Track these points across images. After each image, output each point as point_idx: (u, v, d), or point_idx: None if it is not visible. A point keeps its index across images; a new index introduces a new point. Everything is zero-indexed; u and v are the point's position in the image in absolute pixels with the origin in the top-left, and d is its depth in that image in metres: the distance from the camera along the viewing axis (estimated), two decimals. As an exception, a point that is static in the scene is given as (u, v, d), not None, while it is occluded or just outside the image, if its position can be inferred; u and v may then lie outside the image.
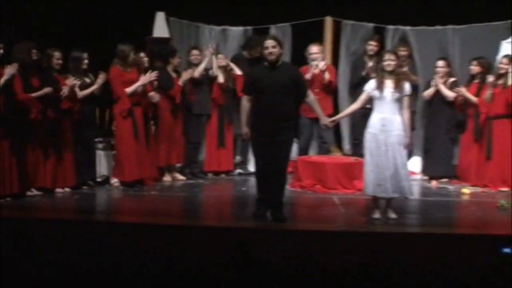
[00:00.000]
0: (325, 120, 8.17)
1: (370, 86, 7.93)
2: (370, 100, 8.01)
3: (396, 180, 7.73)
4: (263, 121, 7.63)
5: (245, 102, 7.78)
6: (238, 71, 10.64)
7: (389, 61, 7.82)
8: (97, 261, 4.76)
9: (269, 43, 7.68)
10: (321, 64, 10.49)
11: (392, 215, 7.86)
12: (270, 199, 7.72)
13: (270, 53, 7.65)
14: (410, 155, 10.52)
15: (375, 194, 7.85)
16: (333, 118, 8.48)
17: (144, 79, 9.50)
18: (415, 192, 7.96)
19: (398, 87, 7.76)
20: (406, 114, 7.87)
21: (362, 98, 8.06)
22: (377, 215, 7.88)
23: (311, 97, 7.99)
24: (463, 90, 10.05)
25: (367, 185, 7.87)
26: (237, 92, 10.45)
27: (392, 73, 7.81)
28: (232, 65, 10.71)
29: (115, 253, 5.08)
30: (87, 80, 9.45)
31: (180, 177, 10.34)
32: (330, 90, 10.75)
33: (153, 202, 8.90)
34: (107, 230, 7.07)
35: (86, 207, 8.47)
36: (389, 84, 7.78)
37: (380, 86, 7.79)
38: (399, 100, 7.80)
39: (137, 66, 9.68)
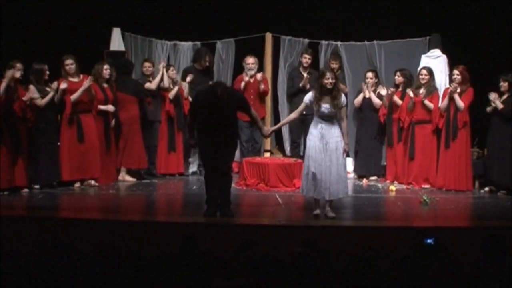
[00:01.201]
0: (265, 132, 8.14)
1: (308, 98, 7.84)
2: (307, 107, 7.95)
3: (331, 184, 7.67)
4: (207, 138, 7.62)
5: (191, 119, 7.79)
6: (186, 94, 10.51)
7: (330, 79, 7.69)
8: (55, 256, 4.60)
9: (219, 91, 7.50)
10: (259, 76, 10.54)
11: (331, 214, 7.79)
12: (218, 197, 7.65)
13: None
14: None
15: (311, 196, 7.80)
16: (273, 129, 8.54)
17: (82, 87, 9.26)
18: (349, 192, 7.92)
19: (333, 102, 7.67)
20: (344, 123, 7.83)
21: (300, 108, 8.00)
22: (317, 211, 7.81)
23: (253, 112, 7.94)
24: (394, 97, 10.13)
25: (304, 187, 7.82)
26: (184, 107, 10.41)
27: (331, 90, 7.70)
28: (184, 86, 10.57)
29: (73, 248, 4.93)
30: (48, 89, 9.24)
31: (136, 177, 10.18)
32: (264, 97, 10.87)
33: (110, 200, 8.76)
34: (66, 226, 6.89)
35: (48, 205, 8.24)
36: (326, 99, 7.70)
37: (318, 103, 7.70)
38: (336, 112, 7.75)
39: (94, 77, 9.51)
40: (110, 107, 9.68)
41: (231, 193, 7.84)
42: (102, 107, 9.57)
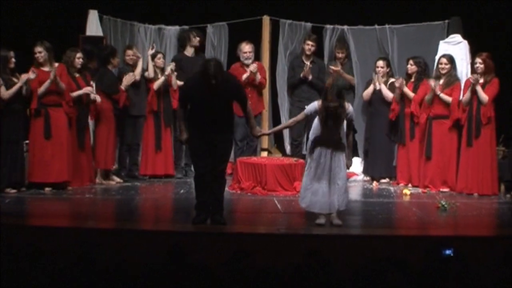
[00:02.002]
0: (255, 132, 7.98)
1: (310, 110, 7.80)
2: (309, 101, 7.97)
3: (336, 196, 7.72)
4: (200, 132, 7.54)
5: (181, 111, 7.72)
6: (174, 85, 10.50)
7: (331, 103, 7.57)
8: (28, 266, 4.63)
9: (212, 69, 7.26)
10: (253, 67, 10.53)
11: (337, 221, 7.79)
12: (209, 202, 7.63)
13: (213, 79, 7.28)
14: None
15: (317, 211, 7.79)
16: (265, 132, 8.83)
17: (49, 79, 9.25)
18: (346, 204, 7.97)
19: (339, 123, 7.65)
20: (350, 137, 7.84)
21: (298, 118, 8.00)
22: (321, 220, 7.79)
23: (249, 107, 7.85)
24: (405, 88, 10.14)
25: (307, 199, 7.83)
26: (173, 101, 10.42)
27: (335, 113, 7.61)
28: (172, 76, 10.57)
29: (46, 258, 4.95)
30: (15, 80, 9.23)
31: (117, 179, 10.19)
32: (261, 89, 10.88)
33: (86, 205, 8.77)
34: (36, 235, 6.90)
35: (15, 211, 8.23)
36: (331, 122, 7.66)
37: (322, 123, 7.69)
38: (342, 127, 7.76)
39: (66, 65, 9.53)
40: (97, 98, 9.70)
41: (224, 197, 7.84)
42: (76, 93, 9.55)
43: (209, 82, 7.25)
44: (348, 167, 7.88)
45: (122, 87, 10.04)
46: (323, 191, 7.73)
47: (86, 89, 9.68)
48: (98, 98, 9.79)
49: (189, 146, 7.85)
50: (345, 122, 7.74)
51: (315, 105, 7.76)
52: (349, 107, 7.75)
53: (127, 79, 10.11)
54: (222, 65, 7.67)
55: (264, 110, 11.10)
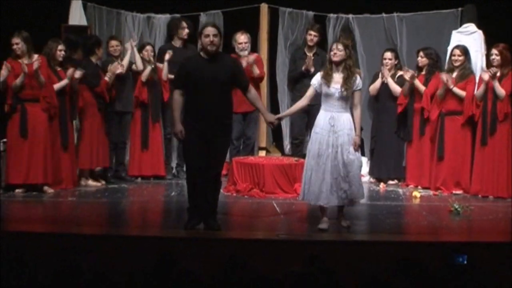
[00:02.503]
0: (270, 117, 7.92)
1: (317, 79, 7.86)
2: (316, 92, 7.94)
3: (343, 186, 7.68)
4: (197, 120, 7.45)
5: (177, 97, 7.57)
6: (164, 76, 10.50)
7: (336, 51, 7.73)
8: (6, 276, 4.63)
9: (211, 30, 7.43)
10: (250, 58, 10.51)
11: (345, 223, 7.83)
12: (203, 206, 7.60)
13: (211, 42, 7.41)
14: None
15: (315, 203, 7.78)
16: (279, 116, 8.34)
17: (22, 73, 9.22)
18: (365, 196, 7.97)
19: (347, 82, 7.68)
20: (358, 111, 7.84)
21: (308, 93, 7.95)
22: (324, 224, 7.77)
23: (253, 91, 7.76)
24: (416, 80, 10.14)
25: (307, 191, 7.79)
26: (164, 93, 10.42)
27: (340, 65, 7.73)
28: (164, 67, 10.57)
29: (25, 267, 4.95)
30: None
31: (101, 181, 10.18)
32: (259, 82, 10.80)
33: (69, 209, 8.76)
34: (12, 241, 6.88)
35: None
36: (337, 78, 7.73)
37: (326, 81, 7.72)
38: (348, 97, 7.76)
39: (46, 57, 9.52)
40: (77, 73, 9.65)
41: (218, 200, 7.82)
42: (59, 84, 9.54)
43: (207, 45, 7.36)
44: (356, 146, 7.74)
45: (107, 78, 10.00)
46: (328, 179, 7.67)
47: (74, 74, 9.62)
48: (79, 74, 9.71)
49: (182, 141, 7.72)
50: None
51: (319, 74, 7.83)
52: (357, 77, 7.79)
53: (113, 68, 10.07)
54: (220, 31, 7.67)
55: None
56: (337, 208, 7.92)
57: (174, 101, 7.62)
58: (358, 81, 7.80)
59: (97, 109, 10.07)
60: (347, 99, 7.75)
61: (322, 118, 7.78)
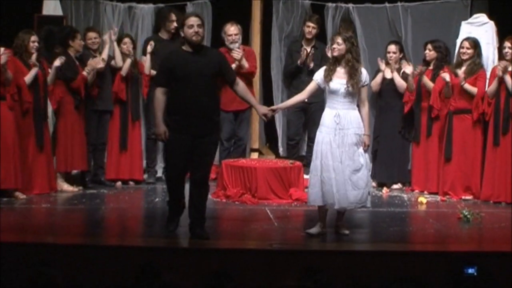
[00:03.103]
0: (263, 109, 7.98)
1: (319, 75, 7.91)
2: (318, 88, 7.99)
3: (350, 188, 7.73)
4: (182, 117, 7.49)
5: (160, 95, 7.59)
6: (146, 70, 10.51)
7: (335, 45, 7.79)
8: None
9: (194, 20, 7.46)
10: (235, 54, 10.48)
11: (344, 231, 7.87)
12: (190, 213, 7.66)
13: (196, 32, 7.44)
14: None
15: (323, 204, 7.81)
16: (274, 107, 8.33)
17: None
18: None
19: (352, 77, 7.72)
20: (365, 107, 7.91)
21: (310, 88, 8.04)
22: (314, 230, 7.84)
23: (241, 84, 7.82)
24: (424, 77, 10.15)
25: (313, 193, 7.84)
26: (144, 89, 10.43)
27: (341, 60, 7.77)
28: (144, 61, 10.57)
29: None
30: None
31: (78, 186, 10.17)
32: (251, 79, 10.81)
33: (43, 216, 8.77)
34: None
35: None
36: (340, 74, 7.77)
37: (328, 77, 7.77)
38: (355, 93, 7.80)
39: (18, 50, 9.49)
40: (57, 61, 9.67)
41: (206, 207, 7.83)
42: (29, 75, 9.50)
43: (192, 51, 7.40)
44: (365, 145, 7.82)
45: (85, 72, 9.98)
46: (336, 182, 7.72)
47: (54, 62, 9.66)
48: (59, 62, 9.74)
49: (166, 145, 7.75)
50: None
51: (323, 67, 7.90)
52: (363, 71, 7.86)
53: (93, 63, 10.05)
54: (203, 21, 7.72)
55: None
56: (337, 215, 7.95)
57: (156, 100, 7.62)
58: (365, 75, 7.86)
59: (73, 107, 10.04)
60: (353, 95, 7.81)
61: (328, 116, 7.83)
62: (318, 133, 7.89)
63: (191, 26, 7.44)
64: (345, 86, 7.73)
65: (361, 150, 7.78)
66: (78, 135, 10.15)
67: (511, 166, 9.59)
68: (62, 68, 9.84)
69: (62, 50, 10.01)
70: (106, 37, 10.38)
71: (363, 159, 7.81)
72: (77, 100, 10.05)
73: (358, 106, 7.90)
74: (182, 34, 7.60)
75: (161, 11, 11.08)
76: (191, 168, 7.58)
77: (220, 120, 7.92)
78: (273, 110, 8.15)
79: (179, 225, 7.76)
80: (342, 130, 7.73)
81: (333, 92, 7.79)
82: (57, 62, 9.68)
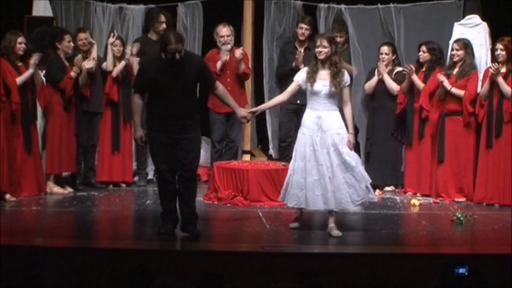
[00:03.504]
0: (242, 111, 8.17)
1: (300, 76, 7.95)
2: (302, 94, 8.05)
3: (334, 190, 7.81)
4: (161, 121, 7.64)
5: (137, 100, 7.78)
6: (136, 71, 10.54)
7: (321, 48, 7.86)
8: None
9: (173, 41, 7.38)
10: (238, 53, 10.53)
11: (336, 232, 7.91)
12: (180, 210, 7.75)
13: (176, 52, 7.37)
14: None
15: (298, 206, 8.02)
16: (253, 109, 8.53)
17: None
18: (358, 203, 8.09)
19: (334, 79, 7.80)
20: (348, 108, 8.00)
21: (290, 89, 8.14)
22: (295, 224, 8.12)
23: (220, 87, 7.95)
24: (414, 75, 10.16)
25: (290, 193, 8.01)
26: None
27: (326, 62, 7.86)
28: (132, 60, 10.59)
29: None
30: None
31: (68, 188, 10.17)
32: (245, 79, 10.89)
33: (33, 219, 8.76)
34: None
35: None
36: (323, 75, 7.83)
37: (311, 79, 7.83)
38: (336, 94, 7.87)
39: (5, 51, 9.51)
40: (33, 58, 9.58)
41: (196, 207, 7.90)
42: (23, 76, 9.49)
43: (171, 57, 7.37)
44: (350, 144, 7.91)
45: (72, 73, 9.97)
46: (316, 184, 7.85)
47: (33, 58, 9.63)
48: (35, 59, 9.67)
49: (149, 142, 7.87)
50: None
51: (304, 70, 7.99)
52: (345, 73, 7.93)
53: (78, 62, 10.03)
54: (183, 37, 7.72)
55: (247, 105, 11.09)
56: (329, 217, 8.01)
57: (134, 104, 7.85)
58: (346, 76, 7.95)
59: (62, 108, 10.03)
60: (334, 97, 7.92)
61: (309, 117, 7.95)
62: (299, 134, 8.02)
63: (170, 46, 7.38)
64: (328, 87, 7.82)
65: (346, 149, 7.86)
66: (68, 137, 10.14)
67: (504, 168, 9.61)
68: (50, 69, 9.83)
69: (51, 51, 10.02)
70: (109, 41, 10.41)
71: (351, 157, 7.89)
72: (65, 101, 10.05)
73: (340, 107, 8.01)
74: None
75: (150, 12, 11.10)
76: (177, 166, 7.70)
77: (199, 118, 7.95)
78: (253, 113, 8.34)
79: (173, 227, 7.81)
80: (323, 131, 7.85)
81: (315, 94, 7.89)
82: (32, 60, 9.63)
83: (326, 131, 7.83)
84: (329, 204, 7.86)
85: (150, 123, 7.74)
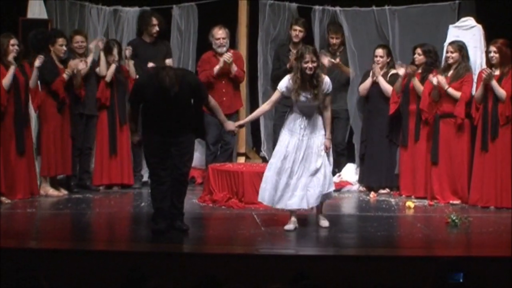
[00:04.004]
0: (230, 126, 8.40)
1: (284, 84, 8.14)
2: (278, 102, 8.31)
3: (314, 187, 8.09)
4: (157, 126, 7.84)
5: (132, 110, 8.03)
6: (132, 74, 10.54)
7: (311, 64, 7.97)
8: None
9: (167, 82, 7.57)
10: (227, 56, 10.53)
11: (324, 223, 8.20)
12: (169, 209, 7.93)
13: (169, 80, 7.60)
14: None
15: (272, 205, 8.26)
16: (240, 122, 8.83)
17: None
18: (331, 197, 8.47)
19: (315, 93, 8.03)
20: (328, 113, 8.24)
21: (273, 98, 8.37)
22: (290, 226, 8.19)
23: (212, 102, 8.16)
24: (415, 80, 10.16)
25: (266, 192, 8.20)
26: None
27: (312, 77, 8.01)
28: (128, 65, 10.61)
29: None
30: None
31: (63, 191, 10.16)
32: (239, 83, 10.91)
33: (27, 221, 8.76)
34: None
35: None
36: (307, 87, 8.03)
37: (297, 91, 8.03)
38: (319, 102, 8.14)
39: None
40: (37, 61, 9.59)
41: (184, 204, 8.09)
42: (8, 75, 9.46)
43: (164, 91, 7.62)
44: (326, 148, 8.18)
45: (65, 74, 9.95)
46: (289, 183, 8.11)
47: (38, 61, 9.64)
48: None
49: (144, 146, 8.09)
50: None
51: (287, 78, 8.14)
52: (325, 78, 8.13)
53: (72, 64, 10.02)
54: (176, 72, 7.86)
55: (242, 107, 11.10)
56: (316, 209, 8.33)
57: (129, 115, 8.26)
58: (328, 84, 8.16)
59: (56, 110, 10.00)
60: (318, 103, 8.16)
61: (293, 120, 8.19)
62: (283, 134, 8.24)
63: (164, 86, 7.58)
64: (311, 97, 8.04)
65: (322, 152, 8.12)
66: (62, 139, 10.10)
67: (500, 171, 9.61)
68: (42, 71, 9.83)
69: (45, 54, 10.01)
70: (92, 45, 10.38)
71: (326, 160, 8.17)
72: (59, 103, 10.04)
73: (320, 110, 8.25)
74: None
75: (143, 15, 11.10)
76: (171, 168, 7.86)
77: (195, 121, 8.11)
78: (241, 126, 8.72)
79: (167, 227, 7.92)
80: (307, 135, 8.12)
81: (299, 102, 8.09)
82: (37, 63, 9.64)
83: (310, 135, 8.09)
84: (314, 200, 8.12)
85: (145, 125, 7.94)
